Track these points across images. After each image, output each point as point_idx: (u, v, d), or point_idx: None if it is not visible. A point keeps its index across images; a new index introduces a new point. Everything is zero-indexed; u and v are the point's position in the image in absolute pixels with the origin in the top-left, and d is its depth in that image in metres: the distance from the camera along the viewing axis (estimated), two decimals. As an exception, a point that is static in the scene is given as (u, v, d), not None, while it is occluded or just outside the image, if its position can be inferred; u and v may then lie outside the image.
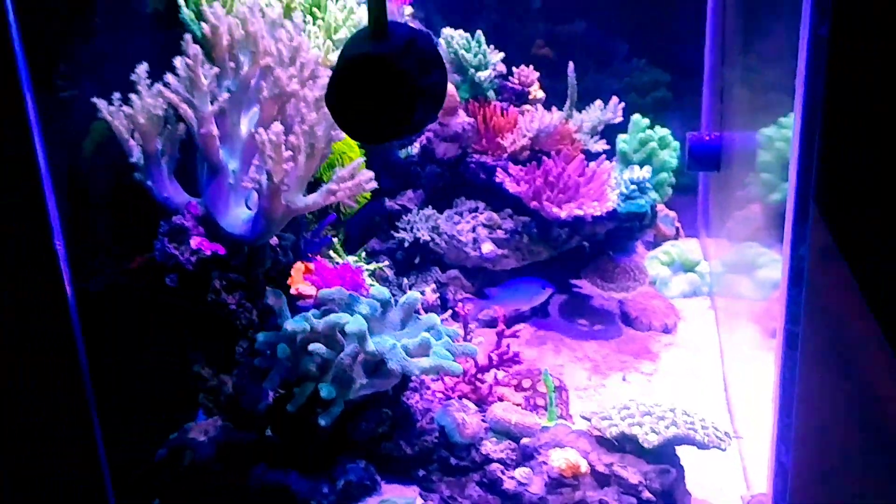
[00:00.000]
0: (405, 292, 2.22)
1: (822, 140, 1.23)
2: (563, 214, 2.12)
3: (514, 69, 2.57)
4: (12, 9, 1.35)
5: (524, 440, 1.72)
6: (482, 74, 2.40)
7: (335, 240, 1.93)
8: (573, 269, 2.39)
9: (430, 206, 2.28)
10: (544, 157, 2.25)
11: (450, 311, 2.04)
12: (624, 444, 1.66)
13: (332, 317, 1.62)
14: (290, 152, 1.48)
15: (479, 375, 1.85)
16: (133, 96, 1.51)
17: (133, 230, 1.81)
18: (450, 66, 2.47)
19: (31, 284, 1.50)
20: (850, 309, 1.22)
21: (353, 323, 1.59)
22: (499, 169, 2.23)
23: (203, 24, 1.52)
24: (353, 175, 1.53)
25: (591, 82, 3.30)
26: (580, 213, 2.12)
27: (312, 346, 1.60)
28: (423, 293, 2.18)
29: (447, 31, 2.44)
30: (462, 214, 2.30)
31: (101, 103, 1.51)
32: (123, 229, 1.81)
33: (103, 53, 1.70)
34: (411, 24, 2.29)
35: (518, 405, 1.80)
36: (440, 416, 1.71)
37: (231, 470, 1.68)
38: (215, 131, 1.51)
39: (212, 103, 1.50)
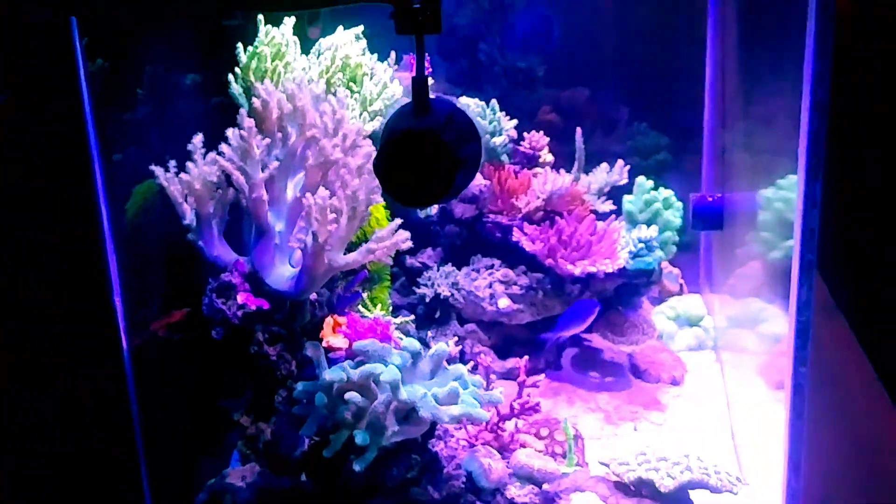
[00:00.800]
0: (429, 345, 2.34)
1: (823, 204, 1.37)
2: (577, 271, 2.25)
3: (524, 134, 2.72)
4: (86, 81, 1.50)
5: (546, 485, 1.82)
6: (497, 140, 2.55)
7: (365, 295, 2.05)
8: (584, 324, 2.50)
9: (448, 264, 2.41)
10: (557, 218, 2.39)
11: (471, 363, 2.15)
12: (640, 489, 1.76)
13: (367, 367, 1.73)
14: (334, 215, 1.61)
15: (500, 424, 1.95)
16: (189, 164, 1.64)
17: (173, 286, 1.93)
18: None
19: (89, 337, 1.62)
20: (851, 367, 1.33)
21: (388, 373, 1.70)
22: (515, 228, 2.36)
23: (254, 99, 1.66)
24: (391, 235, 1.66)
25: (595, 146, 3.45)
26: (593, 269, 2.25)
27: (348, 395, 1.71)
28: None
29: (464, 99, 2.60)
30: (479, 271, 2.43)
31: (158, 170, 1.65)
32: (164, 285, 1.93)
33: (151, 121, 1.83)
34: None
35: (540, 451, 1.90)
36: (467, 461, 1.82)
37: (268, 514, 1.77)
38: (265, 196, 1.64)
39: (262, 171, 1.63)
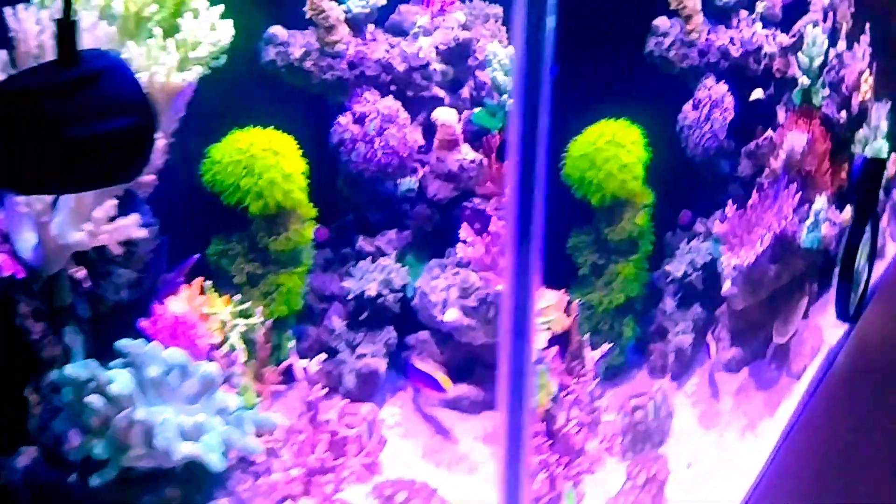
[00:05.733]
0: (353, 349, 1.92)
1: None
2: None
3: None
4: None
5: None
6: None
7: (204, 285, 1.67)
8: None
9: (389, 256, 1.94)
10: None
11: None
12: None
13: (108, 373, 1.42)
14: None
15: (313, 478, 1.53)
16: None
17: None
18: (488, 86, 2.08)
19: None
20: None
21: (118, 384, 1.38)
22: (464, 223, 1.82)
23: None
24: (113, 218, 1.30)
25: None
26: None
27: (88, 399, 1.42)
28: (363, 356, 1.88)
29: (491, 47, 2.04)
30: (444, 268, 1.94)
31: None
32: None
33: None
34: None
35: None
36: (208, 515, 1.44)
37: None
38: (-4, 146, 1.36)
39: None
